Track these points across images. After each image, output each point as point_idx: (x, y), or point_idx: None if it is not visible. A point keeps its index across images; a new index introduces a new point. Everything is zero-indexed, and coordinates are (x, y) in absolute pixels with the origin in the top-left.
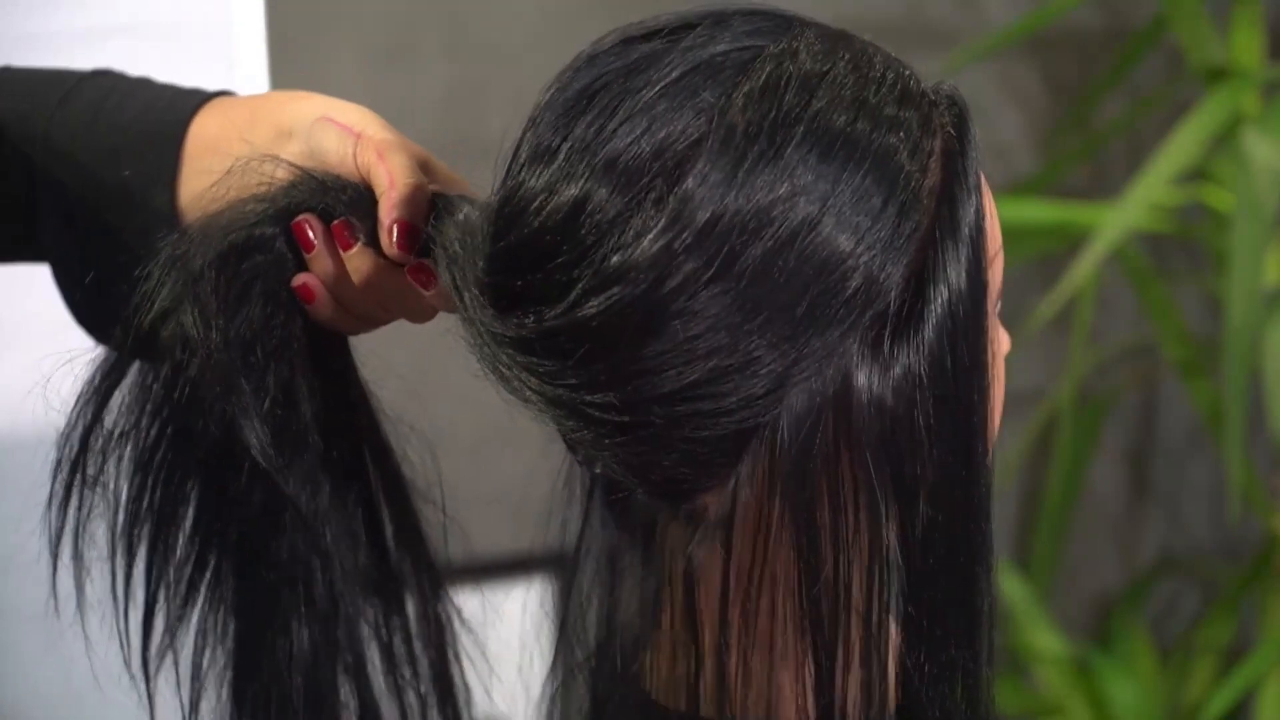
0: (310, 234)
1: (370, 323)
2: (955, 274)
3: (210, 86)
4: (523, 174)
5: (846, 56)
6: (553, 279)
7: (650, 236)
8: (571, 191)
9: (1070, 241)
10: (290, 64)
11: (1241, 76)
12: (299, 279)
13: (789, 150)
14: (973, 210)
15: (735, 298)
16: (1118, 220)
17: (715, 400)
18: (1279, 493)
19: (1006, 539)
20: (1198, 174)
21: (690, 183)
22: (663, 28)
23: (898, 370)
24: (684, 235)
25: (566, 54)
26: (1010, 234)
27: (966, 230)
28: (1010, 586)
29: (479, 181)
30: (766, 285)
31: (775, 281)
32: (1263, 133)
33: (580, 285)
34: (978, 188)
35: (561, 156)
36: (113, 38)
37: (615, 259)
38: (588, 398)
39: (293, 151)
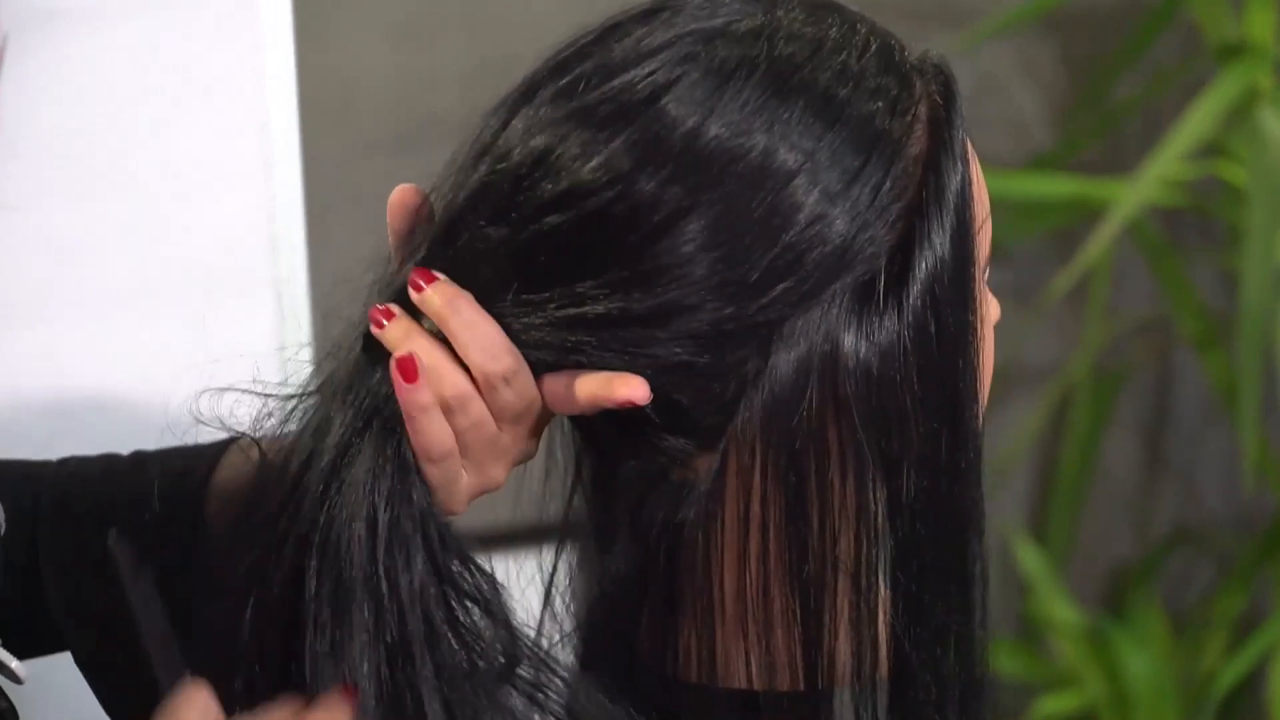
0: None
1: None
2: (940, 241)
3: (237, 65)
4: (503, 125)
5: (831, 23)
6: (530, 202)
7: (620, 150)
8: (543, 138)
9: (1086, 216)
10: (316, 42)
11: (1256, 53)
12: None
13: (772, 100)
14: (959, 178)
15: (707, 225)
16: (1133, 195)
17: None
18: None
19: (1022, 511)
20: (1213, 149)
21: (669, 104)
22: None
23: (883, 336)
24: (660, 153)
25: (587, 27)
26: (1027, 209)
27: (952, 198)
28: (1026, 558)
29: None
30: (738, 218)
31: (748, 219)
32: (1277, 108)
33: (553, 200)
34: (964, 156)
35: (538, 104)
36: (136, 16)
37: (586, 172)
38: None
39: None
